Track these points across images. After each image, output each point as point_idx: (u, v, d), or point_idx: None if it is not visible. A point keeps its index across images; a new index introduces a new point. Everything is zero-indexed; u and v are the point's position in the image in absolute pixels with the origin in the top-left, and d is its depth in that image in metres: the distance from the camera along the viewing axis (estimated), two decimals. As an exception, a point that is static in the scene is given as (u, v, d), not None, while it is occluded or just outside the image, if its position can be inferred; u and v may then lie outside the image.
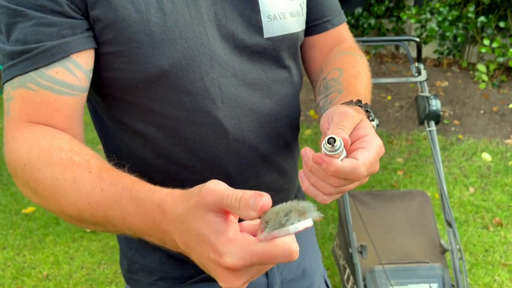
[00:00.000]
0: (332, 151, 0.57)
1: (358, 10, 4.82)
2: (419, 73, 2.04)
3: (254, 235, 0.46)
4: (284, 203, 0.44)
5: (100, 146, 0.86)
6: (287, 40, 0.79)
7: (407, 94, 4.14)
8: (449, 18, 4.04)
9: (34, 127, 0.65)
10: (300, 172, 0.65)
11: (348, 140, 0.60)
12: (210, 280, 0.88)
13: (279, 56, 0.79)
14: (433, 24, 4.15)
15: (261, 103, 0.78)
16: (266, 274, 0.93)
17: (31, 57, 0.63)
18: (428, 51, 4.60)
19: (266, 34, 0.76)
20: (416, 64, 2.06)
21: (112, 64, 0.69)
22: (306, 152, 0.61)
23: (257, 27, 0.75)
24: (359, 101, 0.71)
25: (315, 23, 0.88)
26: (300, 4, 0.81)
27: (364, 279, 1.74)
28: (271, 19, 0.76)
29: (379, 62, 4.73)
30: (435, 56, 4.55)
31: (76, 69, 0.66)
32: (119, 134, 0.78)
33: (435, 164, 1.92)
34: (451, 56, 4.47)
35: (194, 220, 0.47)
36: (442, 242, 1.84)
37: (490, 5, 4.03)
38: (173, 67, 0.69)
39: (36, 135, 0.63)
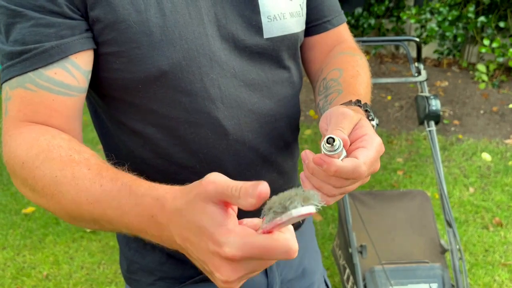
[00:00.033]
0: (332, 151, 0.57)
1: (358, 10, 4.82)
2: (419, 73, 2.04)
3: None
4: (288, 190, 0.44)
5: (100, 146, 0.86)
6: (287, 40, 0.79)
7: (407, 94, 4.14)
8: (449, 18, 4.04)
9: (33, 127, 0.65)
10: (302, 175, 0.65)
11: (347, 141, 0.60)
12: (210, 280, 0.88)
13: (279, 57, 0.79)
14: (433, 24, 4.15)
15: (261, 103, 0.78)
16: (266, 274, 0.93)
17: (30, 58, 0.63)
18: (428, 51, 4.60)
19: (266, 35, 0.76)
20: (416, 64, 2.06)
21: (112, 64, 0.69)
22: (307, 154, 0.61)
23: (257, 28, 0.75)
24: (359, 101, 0.71)
25: (315, 23, 0.88)
26: (300, 5, 0.81)
27: (364, 279, 1.74)
28: (271, 19, 0.76)
29: (379, 62, 4.73)
30: (435, 56, 4.55)
31: (75, 70, 0.66)
32: (118, 134, 0.78)
33: (435, 164, 1.92)
34: (451, 56, 4.48)
35: (193, 211, 0.47)
36: (442, 242, 1.84)
37: (490, 5, 4.03)
38: (172, 68, 0.69)
39: (35, 134, 0.63)
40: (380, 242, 1.83)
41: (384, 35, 4.79)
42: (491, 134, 3.57)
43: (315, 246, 1.09)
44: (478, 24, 3.98)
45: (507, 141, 3.48)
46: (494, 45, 3.82)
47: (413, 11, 4.22)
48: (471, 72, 4.31)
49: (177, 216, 0.49)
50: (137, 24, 0.66)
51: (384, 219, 1.93)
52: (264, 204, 0.45)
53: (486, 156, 3.29)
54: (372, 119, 0.70)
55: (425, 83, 2.03)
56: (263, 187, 0.43)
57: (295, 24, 0.80)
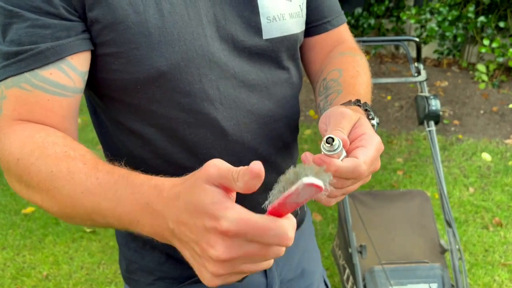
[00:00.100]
0: (331, 151, 0.57)
1: (358, 10, 4.82)
2: (419, 73, 2.04)
3: None
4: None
5: (100, 147, 0.86)
6: (287, 41, 0.79)
7: (407, 94, 4.14)
8: (449, 18, 4.04)
9: (26, 125, 0.65)
10: None
11: (347, 141, 0.60)
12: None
13: (278, 57, 0.79)
14: (433, 24, 4.15)
15: (260, 104, 0.78)
16: (265, 274, 0.93)
17: (25, 59, 0.63)
18: (428, 51, 4.60)
19: (265, 36, 0.76)
20: (416, 64, 2.06)
21: (110, 65, 0.69)
22: (307, 156, 0.61)
23: (256, 29, 0.75)
24: (358, 101, 0.71)
25: (315, 24, 0.88)
26: (300, 5, 0.81)
27: (363, 279, 1.74)
28: (270, 20, 0.76)
29: (379, 62, 4.73)
30: (435, 56, 4.55)
31: (71, 71, 0.66)
32: (117, 134, 0.78)
33: (435, 164, 1.92)
34: (451, 56, 4.48)
35: (193, 192, 0.47)
36: (442, 242, 1.84)
37: (490, 5, 4.03)
38: (171, 69, 0.69)
39: (29, 131, 0.63)
40: (379, 242, 1.83)
41: (384, 35, 4.79)
42: (491, 134, 3.57)
43: (315, 246, 1.09)
44: (478, 24, 3.98)
45: (507, 141, 3.48)
46: (494, 45, 3.82)
47: (413, 11, 4.22)
48: (471, 72, 4.31)
49: (174, 201, 0.49)
50: (135, 25, 0.66)
51: (384, 219, 1.93)
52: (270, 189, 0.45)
53: (486, 156, 3.29)
54: (372, 118, 0.70)
55: (425, 83, 2.03)
56: (255, 164, 0.44)
57: (295, 25, 0.80)
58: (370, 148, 0.60)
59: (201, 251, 0.47)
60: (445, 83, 4.22)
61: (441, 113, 2.10)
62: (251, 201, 0.59)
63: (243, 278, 0.89)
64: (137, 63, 0.68)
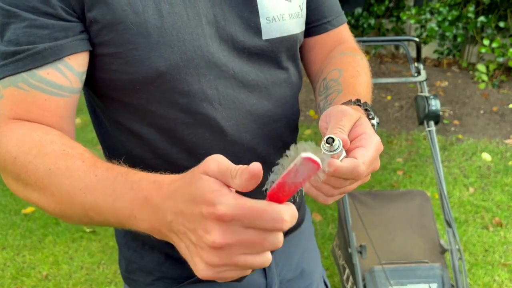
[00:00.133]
0: (331, 151, 0.57)
1: (358, 10, 4.82)
2: (419, 73, 2.04)
3: None
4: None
5: (100, 147, 0.86)
6: (286, 42, 0.79)
7: (407, 94, 4.14)
8: (449, 18, 4.04)
9: (23, 123, 0.65)
10: None
11: (347, 141, 0.60)
12: (208, 280, 0.88)
13: (277, 58, 0.79)
14: (433, 24, 4.15)
15: (259, 104, 0.78)
16: (265, 274, 0.93)
17: (23, 59, 0.63)
18: (428, 51, 4.60)
19: (265, 36, 0.76)
20: (416, 64, 2.06)
21: (109, 65, 0.69)
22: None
23: (256, 29, 0.75)
24: (358, 100, 0.71)
25: (315, 24, 0.88)
26: (300, 6, 0.81)
27: (363, 279, 1.74)
28: (270, 21, 0.76)
29: (379, 62, 4.73)
30: (435, 56, 4.55)
31: (68, 71, 0.66)
32: (116, 134, 0.78)
33: (435, 164, 1.92)
34: (451, 56, 4.48)
35: (191, 183, 0.47)
36: (442, 242, 1.84)
37: (490, 5, 4.03)
38: (170, 69, 0.69)
39: (26, 130, 0.63)
40: (379, 242, 1.82)
41: (384, 35, 4.79)
42: (491, 134, 3.57)
43: (314, 246, 1.09)
44: (478, 24, 3.98)
45: (507, 141, 3.48)
46: (494, 45, 3.82)
47: (413, 11, 4.22)
48: (471, 72, 4.31)
49: (173, 194, 0.50)
50: (135, 25, 0.66)
51: (384, 219, 1.93)
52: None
53: (486, 156, 3.29)
54: (372, 118, 0.70)
55: (424, 83, 2.03)
56: (255, 165, 0.45)
57: (295, 25, 0.80)
58: (370, 148, 0.60)
59: (197, 239, 0.47)
60: (445, 83, 4.22)
61: (441, 113, 2.10)
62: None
63: (241, 279, 0.89)
64: (136, 64, 0.67)
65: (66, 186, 0.58)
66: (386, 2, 4.65)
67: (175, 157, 0.76)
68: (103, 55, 0.68)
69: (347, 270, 1.87)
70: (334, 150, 0.57)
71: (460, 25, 4.09)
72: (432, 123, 1.98)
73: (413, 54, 2.13)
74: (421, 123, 2.02)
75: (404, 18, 4.26)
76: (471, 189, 2.96)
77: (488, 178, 3.06)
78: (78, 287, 2.31)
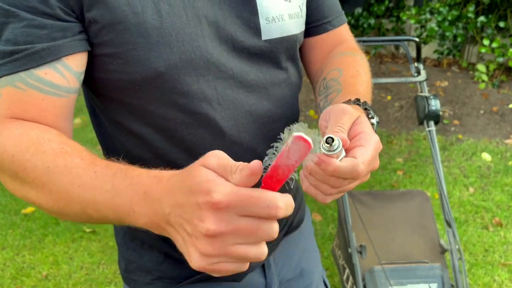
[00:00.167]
0: (331, 151, 0.57)
1: (358, 10, 4.82)
2: (419, 73, 2.04)
3: None
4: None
5: (99, 147, 0.86)
6: (286, 42, 0.79)
7: (407, 94, 4.14)
8: (449, 18, 4.04)
9: (20, 122, 0.65)
10: (301, 173, 0.65)
11: (347, 140, 0.59)
12: (207, 280, 0.88)
13: (277, 58, 0.79)
14: (433, 24, 4.15)
15: (259, 104, 0.78)
16: (264, 274, 0.93)
17: (20, 58, 0.63)
18: (428, 51, 4.60)
19: (264, 36, 0.76)
20: (416, 64, 2.06)
21: (108, 65, 0.69)
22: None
23: (255, 29, 0.75)
24: (358, 100, 0.71)
25: (315, 24, 0.88)
26: (300, 6, 0.81)
27: (363, 279, 1.74)
28: (269, 21, 0.76)
29: (379, 62, 4.73)
30: (435, 56, 4.55)
31: (66, 71, 0.66)
32: (116, 134, 0.78)
33: (435, 164, 1.92)
34: (451, 56, 4.47)
35: (189, 174, 0.48)
36: (442, 242, 1.84)
37: (490, 5, 4.03)
38: (169, 69, 0.69)
39: (23, 129, 0.63)
40: (379, 242, 1.82)
41: (384, 35, 4.79)
42: (491, 134, 3.57)
43: (314, 246, 1.09)
44: (478, 24, 3.98)
45: (507, 141, 3.48)
46: (494, 45, 3.82)
47: (413, 11, 4.22)
48: (471, 72, 4.31)
49: (172, 186, 0.50)
50: (133, 25, 0.66)
51: (384, 219, 1.92)
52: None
53: (486, 156, 3.29)
54: (372, 117, 0.70)
55: (424, 83, 2.03)
56: (256, 163, 0.45)
57: (294, 25, 0.80)
58: (369, 147, 0.60)
59: (192, 229, 0.47)
60: (445, 83, 4.22)
61: (441, 113, 2.10)
62: None
63: (239, 278, 0.89)
64: (135, 64, 0.67)
65: (64, 183, 0.58)
66: (386, 2, 4.65)
67: (174, 157, 0.76)
68: (102, 55, 0.68)
69: (347, 270, 1.87)
70: (334, 150, 0.56)
71: (460, 25, 4.09)
72: (432, 123, 1.98)
73: (413, 54, 2.13)
74: (421, 123, 2.02)
75: (404, 18, 4.25)
76: (471, 189, 2.96)
77: (488, 178, 3.06)
78: (78, 287, 2.31)
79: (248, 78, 0.76)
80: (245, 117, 0.76)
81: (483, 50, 3.86)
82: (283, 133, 0.44)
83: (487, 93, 4.00)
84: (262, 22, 0.75)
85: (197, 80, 0.71)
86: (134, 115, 0.74)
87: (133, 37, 0.66)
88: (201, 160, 0.48)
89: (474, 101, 3.95)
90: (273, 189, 0.46)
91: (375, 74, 4.37)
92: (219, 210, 0.45)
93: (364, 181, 0.64)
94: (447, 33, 4.07)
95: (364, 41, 2.08)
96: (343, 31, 0.92)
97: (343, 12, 0.93)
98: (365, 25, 4.71)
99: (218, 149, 0.75)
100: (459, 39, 4.12)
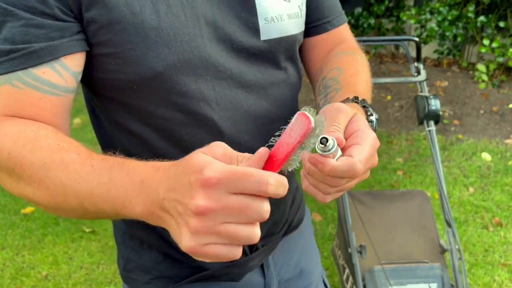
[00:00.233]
0: (326, 151, 0.56)
1: (358, 10, 4.82)
2: (419, 73, 2.04)
3: None
4: None
5: (99, 147, 0.86)
6: (285, 42, 0.79)
7: (407, 94, 4.14)
8: (449, 18, 4.03)
9: (17, 120, 0.65)
10: (301, 172, 0.65)
11: (342, 140, 0.59)
12: (205, 279, 0.88)
13: (276, 58, 0.79)
14: (433, 24, 4.15)
15: (257, 105, 0.78)
16: (263, 274, 0.93)
17: (18, 57, 0.63)
18: (428, 51, 4.60)
19: (263, 37, 0.76)
20: (416, 64, 2.06)
21: (107, 65, 0.69)
22: (304, 154, 0.61)
23: (254, 30, 0.75)
24: (356, 98, 0.71)
25: (315, 24, 0.88)
26: (299, 6, 0.81)
27: (363, 279, 1.74)
28: (268, 21, 0.76)
29: (379, 62, 4.73)
30: (435, 56, 4.54)
31: (63, 71, 0.66)
32: (115, 134, 0.78)
33: (435, 164, 1.92)
34: (451, 56, 4.47)
35: (186, 159, 0.48)
36: (442, 242, 1.84)
37: (490, 5, 4.03)
38: (167, 69, 0.69)
39: (20, 126, 0.64)
40: (379, 242, 1.82)
41: (384, 35, 4.79)
42: (491, 134, 3.57)
43: (314, 246, 1.09)
44: (478, 24, 3.98)
45: (507, 141, 3.47)
46: (494, 45, 3.81)
47: (413, 11, 4.22)
48: (471, 72, 4.31)
49: (168, 173, 0.50)
50: (132, 25, 0.66)
51: (384, 219, 1.92)
52: None
53: (486, 156, 3.28)
54: (371, 115, 0.70)
55: (424, 83, 2.03)
56: (262, 149, 0.47)
57: (293, 25, 0.80)
58: (365, 145, 0.60)
59: (184, 209, 0.47)
60: (445, 83, 4.22)
61: (441, 113, 2.10)
62: None
63: (236, 276, 0.89)
64: (133, 64, 0.67)
65: (61, 178, 0.58)
66: (386, 2, 4.65)
67: (173, 157, 0.76)
68: (101, 55, 0.68)
69: (347, 270, 1.87)
70: (329, 150, 0.56)
71: (460, 25, 4.09)
72: (432, 123, 1.98)
73: (413, 54, 2.13)
74: (421, 123, 2.02)
75: (404, 18, 4.25)
76: (471, 189, 2.95)
77: (488, 178, 3.06)
78: (78, 287, 2.31)
79: (247, 78, 0.76)
80: (244, 117, 0.76)
81: (483, 50, 3.86)
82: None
83: (487, 93, 4.00)
84: (261, 22, 0.75)
85: (195, 80, 0.71)
86: (133, 115, 0.74)
87: (131, 37, 0.66)
88: (205, 148, 0.49)
89: (474, 101, 3.94)
90: (273, 171, 0.46)
91: (375, 74, 4.37)
92: (209, 187, 0.45)
93: (363, 178, 0.64)
94: (447, 33, 4.07)
95: (364, 41, 2.08)
96: (343, 31, 0.92)
97: (343, 11, 0.92)
98: (365, 25, 4.71)
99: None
100: (459, 39, 4.12)
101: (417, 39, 2.00)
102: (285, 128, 0.47)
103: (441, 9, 4.08)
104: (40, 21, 0.63)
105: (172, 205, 0.49)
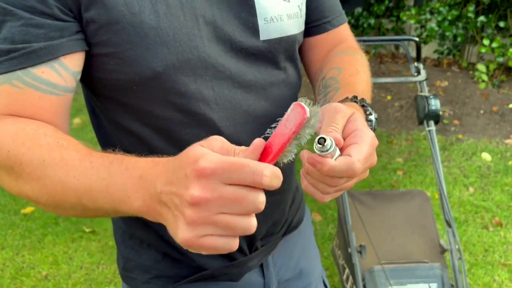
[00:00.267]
0: (324, 151, 0.56)
1: (358, 9, 4.82)
2: (419, 72, 2.04)
3: None
4: None
5: (99, 147, 0.86)
6: (284, 42, 0.79)
7: (407, 94, 4.14)
8: (449, 18, 4.03)
9: (16, 118, 0.65)
10: (301, 172, 0.65)
11: (340, 139, 0.59)
12: (205, 279, 0.88)
13: (275, 58, 0.79)
14: (433, 24, 4.15)
15: (257, 105, 0.78)
16: (263, 274, 0.93)
17: (17, 57, 0.63)
18: (428, 51, 4.60)
19: (263, 37, 0.76)
20: (416, 63, 2.06)
21: (106, 65, 0.69)
22: (304, 154, 0.61)
23: (254, 30, 0.75)
24: (355, 97, 0.71)
25: (315, 24, 0.88)
26: (299, 6, 0.81)
27: (363, 279, 1.74)
28: (267, 21, 0.76)
29: (379, 62, 4.73)
30: (435, 56, 4.54)
31: (63, 70, 0.66)
32: (115, 133, 0.78)
33: (435, 164, 1.92)
34: (451, 56, 4.47)
35: (184, 152, 0.48)
36: (442, 242, 1.84)
37: (490, 5, 4.03)
38: (166, 69, 0.69)
39: (19, 124, 0.64)
40: (379, 242, 1.82)
41: (384, 34, 4.79)
42: (491, 134, 3.57)
43: (314, 246, 1.09)
44: (478, 24, 3.98)
45: (507, 141, 3.47)
46: (494, 45, 3.81)
47: (413, 11, 4.22)
48: (471, 72, 4.31)
49: (167, 167, 0.50)
50: (131, 25, 0.66)
51: (384, 219, 1.92)
52: None
53: (486, 156, 3.28)
54: (370, 114, 0.70)
55: (424, 82, 2.03)
56: (257, 139, 0.47)
57: (293, 25, 0.80)
58: (364, 144, 0.60)
59: (180, 200, 0.47)
60: (445, 83, 4.22)
61: (441, 113, 2.10)
62: None
63: (236, 276, 0.89)
64: (132, 64, 0.67)
65: (60, 175, 0.58)
66: (386, 2, 4.65)
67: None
68: (100, 55, 0.68)
69: (346, 270, 1.87)
70: (327, 150, 0.56)
71: (460, 25, 4.09)
72: (432, 122, 1.98)
73: (413, 54, 2.13)
74: (421, 123, 2.02)
75: (404, 18, 4.25)
76: (471, 189, 2.95)
77: (488, 178, 3.06)
78: (78, 287, 2.31)
79: (246, 79, 0.76)
80: (243, 117, 0.76)
81: (483, 50, 3.86)
82: None
83: (487, 93, 4.00)
84: (260, 22, 0.75)
85: (194, 80, 0.71)
86: (133, 115, 0.74)
87: (130, 37, 0.66)
88: (203, 141, 0.49)
89: (474, 101, 3.94)
90: (268, 162, 0.46)
91: (375, 74, 4.37)
92: (204, 177, 0.45)
93: (362, 178, 0.64)
94: (447, 33, 4.07)
95: (364, 41, 2.07)
96: (343, 31, 0.92)
97: (343, 11, 0.92)
98: (365, 25, 4.71)
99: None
100: (459, 39, 4.12)
101: (417, 39, 2.00)
102: (281, 120, 0.47)
103: (441, 9, 4.08)
104: (40, 21, 0.63)
105: (169, 198, 0.49)
